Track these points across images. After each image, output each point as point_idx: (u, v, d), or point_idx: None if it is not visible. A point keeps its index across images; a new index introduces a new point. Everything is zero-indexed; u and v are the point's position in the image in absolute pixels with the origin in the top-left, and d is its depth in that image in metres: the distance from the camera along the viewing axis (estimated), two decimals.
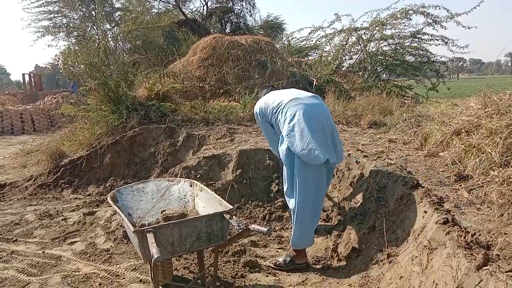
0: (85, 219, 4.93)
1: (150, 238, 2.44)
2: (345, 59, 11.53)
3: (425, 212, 2.81)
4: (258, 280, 3.30)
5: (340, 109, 6.99)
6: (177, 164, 5.66)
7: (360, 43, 11.18)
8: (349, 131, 6.04)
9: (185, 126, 6.72)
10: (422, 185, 3.24)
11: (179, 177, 4.88)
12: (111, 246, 4.12)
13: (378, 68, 11.26)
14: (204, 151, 5.58)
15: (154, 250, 2.30)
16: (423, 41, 10.89)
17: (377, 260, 3.02)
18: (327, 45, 12.48)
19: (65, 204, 5.69)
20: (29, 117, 15.67)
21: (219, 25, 19.48)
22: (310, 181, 3.35)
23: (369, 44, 11.30)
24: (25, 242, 4.39)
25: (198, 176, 4.98)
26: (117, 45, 10.22)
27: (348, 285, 3.05)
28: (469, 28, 10.59)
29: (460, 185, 3.18)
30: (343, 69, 11.47)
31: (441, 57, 11.28)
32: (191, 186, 3.63)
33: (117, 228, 4.43)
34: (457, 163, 3.59)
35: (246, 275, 3.37)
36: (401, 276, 2.64)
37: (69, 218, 5.06)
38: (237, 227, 2.73)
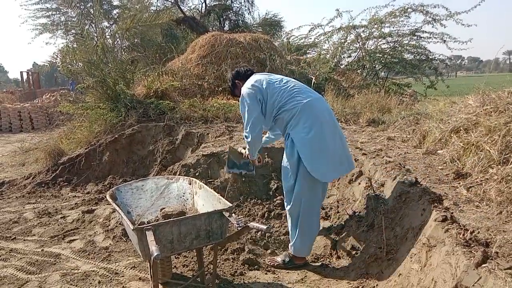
0: (84, 217, 4.92)
1: (149, 236, 2.44)
2: (343, 57, 11.51)
3: (424, 209, 2.82)
4: (257, 278, 3.30)
5: (339, 107, 6.99)
6: (176, 162, 5.65)
7: (358, 41, 11.17)
8: (348, 129, 6.05)
9: (183, 124, 6.72)
10: (421, 182, 3.25)
11: (178, 175, 4.88)
12: (110, 244, 4.12)
13: (377, 66, 11.25)
14: (203, 149, 5.57)
15: (153, 248, 2.30)
16: (422, 39, 10.88)
17: (376, 257, 3.03)
18: (325, 43, 12.46)
19: (64, 202, 5.69)
20: (27, 115, 15.64)
21: (217, 23, 19.46)
22: (316, 191, 3.33)
23: (367, 42, 11.28)
24: (24, 240, 4.38)
25: (197, 174, 4.97)
26: (115, 42, 10.21)
27: (347, 283, 3.06)
28: (468, 26, 10.58)
29: (459, 183, 3.19)
30: (341, 67, 11.46)
31: (439, 55, 11.28)
32: (190, 184, 3.63)
33: (116, 226, 4.43)
34: (455, 161, 3.60)
35: (245, 272, 3.37)
36: (400, 274, 2.65)
37: (68, 216, 5.05)
38: (236, 225, 2.74)
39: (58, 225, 4.78)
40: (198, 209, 3.42)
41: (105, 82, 7.14)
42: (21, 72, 31.77)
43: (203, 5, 19.59)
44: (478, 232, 2.31)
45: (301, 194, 3.29)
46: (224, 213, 2.80)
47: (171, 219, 2.75)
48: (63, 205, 5.52)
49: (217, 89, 8.82)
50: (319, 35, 12.61)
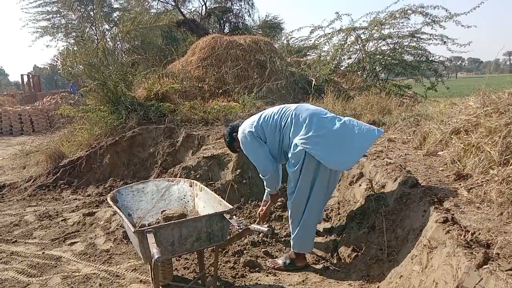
0: (84, 219, 4.92)
1: (150, 238, 2.44)
2: (343, 58, 11.52)
3: (425, 211, 2.82)
4: (258, 280, 3.30)
5: (339, 108, 6.99)
6: (176, 164, 5.66)
7: (358, 42, 11.18)
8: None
9: (184, 126, 6.72)
10: (422, 184, 3.25)
11: (179, 177, 4.88)
12: (111, 246, 4.12)
13: (377, 68, 11.26)
14: (204, 151, 5.58)
15: (154, 250, 2.30)
16: (422, 40, 10.89)
17: (377, 259, 3.03)
18: (326, 44, 12.48)
19: (65, 204, 5.69)
20: (28, 118, 15.67)
21: (218, 25, 19.47)
22: (322, 185, 3.31)
23: (367, 44, 11.30)
24: (25, 243, 4.39)
25: (197, 176, 4.98)
26: (116, 45, 10.23)
27: (348, 285, 3.05)
28: (468, 27, 10.60)
29: (460, 184, 3.19)
30: (342, 68, 11.47)
31: (439, 57, 11.29)
32: (190, 186, 3.63)
33: (117, 229, 4.43)
34: (456, 162, 3.59)
35: (246, 275, 3.37)
36: (401, 275, 2.64)
37: (69, 218, 5.05)
38: (237, 227, 2.74)
39: (59, 227, 4.78)
40: (199, 211, 3.42)
41: (105, 84, 7.15)
42: (22, 75, 31.84)
43: (203, 7, 19.62)
44: (479, 234, 2.30)
45: (307, 188, 3.29)
46: (225, 215, 2.81)
47: (172, 222, 2.75)
48: (64, 207, 5.52)
49: (217, 91, 8.82)
50: (319, 37, 12.64)
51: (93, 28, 16.98)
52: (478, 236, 2.27)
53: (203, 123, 6.90)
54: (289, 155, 3.35)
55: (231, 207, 2.90)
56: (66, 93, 23.15)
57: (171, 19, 14.87)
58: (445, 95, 10.04)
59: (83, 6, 18.23)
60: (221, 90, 8.78)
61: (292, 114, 3.39)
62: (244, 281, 3.28)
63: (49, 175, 6.72)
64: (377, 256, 3.05)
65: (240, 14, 19.77)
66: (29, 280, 3.48)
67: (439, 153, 4.08)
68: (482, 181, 3.05)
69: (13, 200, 6.06)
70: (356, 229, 3.57)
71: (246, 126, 3.57)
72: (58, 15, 19.28)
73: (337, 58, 11.10)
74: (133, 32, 9.13)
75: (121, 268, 3.60)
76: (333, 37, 11.84)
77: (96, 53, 7.36)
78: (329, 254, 3.65)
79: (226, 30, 18.73)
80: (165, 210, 3.27)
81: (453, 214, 2.59)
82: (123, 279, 3.41)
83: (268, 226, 4.01)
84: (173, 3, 18.47)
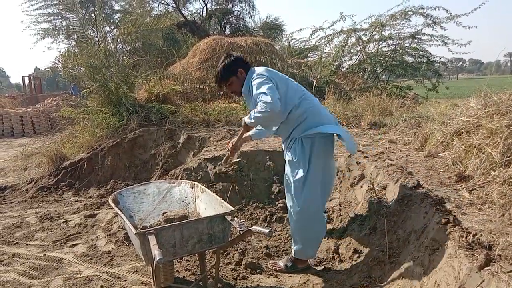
0: (86, 221, 4.93)
1: (151, 240, 2.44)
2: (344, 60, 11.54)
3: (426, 212, 2.82)
4: (260, 282, 3.30)
5: (340, 110, 6.99)
6: (177, 166, 5.66)
7: (359, 44, 11.19)
8: (349, 132, 6.04)
9: (185, 128, 6.73)
10: (423, 185, 3.24)
11: (180, 179, 4.88)
12: (112, 248, 4.12)
13: (378, 69, 11.27)
14: (205, 152, 5.58)
15: (156, 252, 2.30)
16: (423, 41, 10.90)
17: (379, 261, 3.02)
18: (326, 46, 12.50)
19: (66, 206, 5.70)
20: (29, 120, 15.68)
21: (218, 27, 19.53)
22: (315, 189, 3.25)
23: (368, 45, 11.31)
24: (26, 244, 4.39)
25: (199, 178, 4.97)
26: (117, 47, 10.24)
27: (350, 286, 3.05)
28: (469, 28, 10.60)
29: (461, 186, 3.19)
30: (342, 70, 11.48)
31: (440, 58, 11.30)
32: (192, 188, 3.64)
33: (119, 230, 4.43)
34: (457, 164, 3.59)
35: (247, 276, 3.37)
36: (403, 277, 2.64)
37: (70, 220, 5.06)
38: (239, 229, 2.74)
39: (61, 229, 4.78)
40: (200, 213, 3.43)
41: (107, 86, 7.16)
42: (23, 77, 31.87)
43: (204, 9, 19.68)
44: (481, 235, 2.30)
45: (305, 198, 3.23)
46: (226, 217, 2.81)
47: (173, 223, 2.75)
48: (65, 209, 5.53)
49: (218, 93, 8.83)
50: (320, 38, 12.65)
51: (95, 30, 17.02)
52: (479, 237, 2.27)
53: (204, 124, 6.91)
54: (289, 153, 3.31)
55: (232, 208, 2.90)
56: (67, 95, 23.18)
57: (172, 21, 14.89)
58: (446, 96, 10.04)
59: (84, 8, 18.26)
60: (222, 92, 8.79)
61: (307, 112, 3.21)
62: (246, 283, 3.28)
63: (51, 177, 6.72)
64: (378, 257, 3.05)
65: (241, 16, 19.85)
66: (30, 282, 3.48)
67: (440, 154, 4.08)
68: (484, 183, 3.05)
69: (15, 202, 6.07)
70: (358, 231, 3.57)
71: (263, 68, 3.25)
72: (59, 17, 19.32)
73: (338, 59, 11.11)
74: (134, 34, 9.12)
75: (122, 270, 3.60)
76: (334, 38, 11.87)
77: (97, 55, 7.37)
78: (331, 255, 3.65)
79: (227, 31, 18.79)
80: (166, 212, 3.27)
81: (454, 216, 2.59)
82: (125, 281, 3.41)
83: (269, 228, 4.01)
84: (174, 5, 18.53)
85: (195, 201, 3.57)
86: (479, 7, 10.27)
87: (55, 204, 5.84)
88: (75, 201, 5.94)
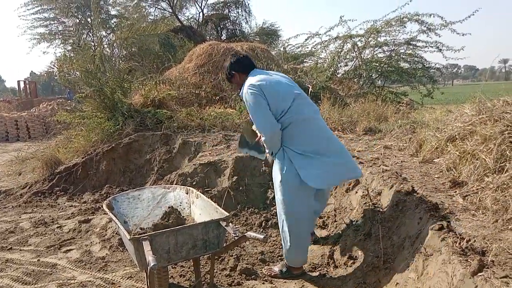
0: (80, 226, 4.90)
1: (146, 246, 2.44)
2: (340, 66, 11.59)
3: (421, 218, 2.82)
4: None
5: (336, 115, 7.01)
6: (173, 171, 5.65)
7: (355, 50, 11.25)
8: (345, 137, 6.06)
9: (181, 133, 6.72)
10: (417, 191, 3.25)
11: (175, 184, 4.88)
12: (106, 254, 4.10)
13: (373, 75, 11.32)
14: (200, 158, 5.58)
15: (150, 258, 2.30)
16: (418, 48, 10.98)
17: (373, 266, 3.03)
18: (322, 52, 12.54)
19: (60, 211, 5.67)
20: (24, 124, 15.62)
21: (215, 32, 19.58)
22: (302, 200, 3.24)
23: (364, 51, 11.37)
24: (20, 250, 4.36)
25: (194, 183, 4.97)
26: (113, 52, 10.24)
27: None
28: (463, 35, 10.70)
29: (455, 191, 3.20)
30: (338, 75, 11.52)
31: (435, 64, 11.38)
32: (187, 193, 3.63)
33: (113, 236, 4.41)
34: (452, 170, 3.61)
35: (242, 282, 3.36)
36: (397, 283, 2.64)
37: (65, 225, 5.03)
38: (233, 234, 2.74)
39: (55, 235, 4.75)
40: (195, 218, 3.42)
41: (102, 91, 7.15)
42: (18, 81, 31.74)
43: (201, 14, 19.73)
44: (474, 241, 2.31)
45: (286, 205, 3.22)
46: (221, 222, 2.81)
47: (167, 229, 2.74)
48: (59, 214, 5.50)
49: (214, 98, 8.84)
50: (316, 44, 12.70)
51: (90, 34, 17.01)
52: (473, 243, 2.28)
53: (199, 129, 6.91)
54: (276, 158, 3.30)
55: (227, 214, 2.90)
56: (63, 99, 23.12)
57: (168, 26, 14.93)
58: (441, 102, 10.10)
59: (80, 13, 18.27)
60: (218, 97, 8.81)
61: (296, 121, 3.22)
62: None
63: (45, 181, 6.69)
64: (373, 263, 3.05)
65: (237, 21, 19.92)
66: None
67: (435, 160, 4.10)
68: (478, 189, 3.07)
69: (9, 207, 6.03)
70: (353, 236, 3.57)
71: (253, 81, 3.26)
72: (56, 22, 19.32)
73: (334, 65, 11.16)
74: (131, 39, 9.13)
75: (116, 276, 3.58)
76: (329, 44, 11.93)
77: (93, 59, 7.37)
78: (326, 261, 3.64)
79: (223, 37, 18.85)
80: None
81: (448, 222, 2.60)
82: (119, 286, 3.40)
83: (264, 234, 4.00)
84: (171, 10, 18.57)
85: (190, 207, 3.57)
86: (473, 14, 10.38)
87: (49, 209, 5.80)
88: (70, 206, 5.91)
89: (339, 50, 11.40)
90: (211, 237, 2.81)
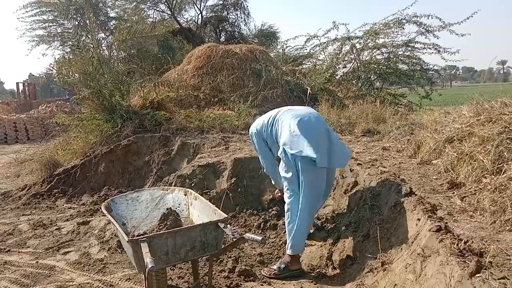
0: (79, 228, 4.90)
1: (144, 248, 2.44)
2: (338, 67, 11.59)
3: (419, 219, 2.83)
4: None
5: (334, 117, 7.02)
6: (171, 173, 5.65)
7: (353, 51, 11.26)
8: (343, 139, 6.06)
9: (179, 134, 6.72)
10: (416, 192, 3.26)
11: (174, 185, 4.88)
12: (105, 255, 4.10)
13: (372, 77, 11.33)
14: (199, 159, 5.58)
15: (148, 260, 2.30)
16: (416, 49, 10.99)
17: (372, 268, 3.03)
18: (321, 53, 12.55)
19: (59, 213, 5.66)
20: (23, 126, 15.59)
21: (213, 34, 19.57)
22: (315, 184, 3.42)
23: (362, 53, 11.38)
24: (18, 252, 4.35)
25: (192, 185, 4.97)
26: (112, 54, 10.23)
27: None
28: (462, 35, 10.72)
29: (453, 193, 3.21)
30: (337, 77, 11.53)
31: (433, 66, 11.40)
32: (185, 195, 3.63)
33: (111, 238, 4.41)
34: (450, 171, 3.62)
35: (241, 284, 3.36)
36: (395, 284, 2.65)
37: (63, 227, 5.03)
38: (232, 236, 2.74)
39: (53, 236, 4.75)
40: (194, 220, 3.42)
41: (101, 93, 7.15)
42: (17, 83, 31.70)
43: (200, 16, 19.73)
44: (472, 242, 2.32)
45: (304, 189, 3.38)
46: (219, 224, 2.80)
47: (166, 231, 2.75)
48: (58, 216, 5.49)
49: (213, 99, 8.84)
50: (314, 46, 12.71)
51: (89, 36, 17.00)
52: (471, 244, 2.29)
53: (198, 131, 6.91)
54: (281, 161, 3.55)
55: (226, 216, 2.90)
56: (62, 101, 23.09)
57: (167, 28, 14.93)
58: (439, 103, 10.12)
59: (79, 15, 18.26)
60: (216, 99, 8.80)
61: (279, 120, 3.69)
62: None
63: (44, 183, 6.68)
64: (371, 264, 3.06)
65: (236, 23, 19.90)
66: None
67: (433, 161, 4.11)
68: (475, 190, 3.08)
69: (7, 209, 6.02)
70: (351, 238, 3.57)
71: (253, 125, 4.02)
72: (54, 24, 19.28)
73: (332, 67, 11.17)
74: (130, 41, 9.13)
75: (115, 278, 3.58)
76: (328, 46, 11.94)
77: (91, 61, 7.37)
78: (324, 262, 3.65)
79: (222, 39, 18.84)
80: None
81: (446, 223, 2.60)
82: None
83: (263, 235, 4.00)
84: (169, 12, 18.57)
85: (189, 208, 3.57)
86: (472, 16, 10.39)
87: (48, 211, 5.80)
88: (68, 208, 5.90)
89: (338, 52, 11.41)
90: (210, 238, 2.81)
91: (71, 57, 9.39)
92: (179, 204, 3.61)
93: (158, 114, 7.27)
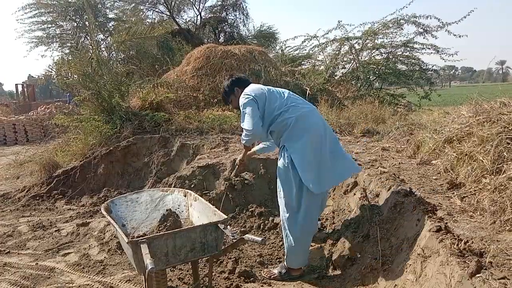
0: (78, 230, 4.89)
1: (144, 249, 2.43)
2: (338, 68, 11.61)
3: (419, 220, 2.83)
4: None
5: (333, 117, 7.03)
6: (171, 174, 5.64)
7: (352, 52, 11.28)
8: (343, 139, 6.07)
9: (179, 135, 6.72)
10: (415, 193, 3.26)
11: (173, 187, 4.87)
12: (105, 257, 4.10)
13: (371, 77, 11.35)
14: (198, 160, 5.58)
15: (148, 261, 2.29)
16: (415, 50, 11.02)
17: (372, 268, 3.03)
18: (320, 54, 12.57)
19: (59, 215, 5.65)
20: (22, 128, 15.59)
21: (212, 35, 19.59)
22: (315, 201, 3.36)
23: (361, 53, 11.40)
24: (18, 254, 4.35)
25: (192, 186, 4.97)
26: (111, 55, 10.24)
27: None
28: (460, 36, 10.75)
29: (453, 193, 3.21)
30: (336, 78, 11.55)
31: (432, 66, 11.42)
32: (185, 196, 3.63)
33: (111, 239, 4.40)
34: (449, 171, 3.62)
35: (241, 285, 3.35)
36: (396, 285, 2.65)
37: (63, 229, 5.02)
38: (232, 237, 2.74)
39: (53, 238, 4.74)
40: (193, 221, 3.42)
41: (100, 94, 7.15)
42: (16, 85, 31.68)
43: (198, 17, 19.75)
44: (472, 242, 2.31)
45: (299, 204, 3.30)
46: (219, 225, 2.80)
47: (165, 232, 2.74)
48: (57, 218, 5.49)
49: (212, 100, 8.85)
50: (313, 47, 12.73)
51: (88, 37, 16.99)
52: (471, 244, 2.28)
53: (197, 132, 6.91)
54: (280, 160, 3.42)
55: (226, 217, 2.90)
56: (61, 102, 23.08)
57: (166, 29, 14.93)
58: (438, 104, 10.14)
59: (78, 16, 18.25)
60: (216, 100, 8.81)
61: (285, 113, 3.38)
62: None
63: (43, 185, 6.68)
64: (371, 265, 3.05)
65: (235, 24, 19.93)
66: None
67: (432, 162, 4.11)
68: (475, 190, 3.08)
69: (7, 211, 6.02)
70: (351, 238, 3.57)
71: (251, 88, 3.54)
72: (53, 25, 19.26)
73: (331, 67, 11.19)
74: (128, 42, 9.13)
75: (115, 279, 3.58)
76: (327, 46, 11.95)
77: (90, 63, 7.36)
78: (324, 263, 3.65)
79: (221, 40, 18.85)
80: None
81: (446, 223, 2.60)
82: None
83: (262, 236, 4.00)
84: (168, 13, 18.59)
85: (188, 209, 3.56)
86: (469, 15, 10.41)
87: (47, 213, 5.79)
88: (68, 209, 5.90)
89: (337, 52, 11.43)
90: (210, 239, 2.81)
91: (70, 58, 9.37)
92: (179, 205, 3.61)
93: (158, 115, 7.27)
